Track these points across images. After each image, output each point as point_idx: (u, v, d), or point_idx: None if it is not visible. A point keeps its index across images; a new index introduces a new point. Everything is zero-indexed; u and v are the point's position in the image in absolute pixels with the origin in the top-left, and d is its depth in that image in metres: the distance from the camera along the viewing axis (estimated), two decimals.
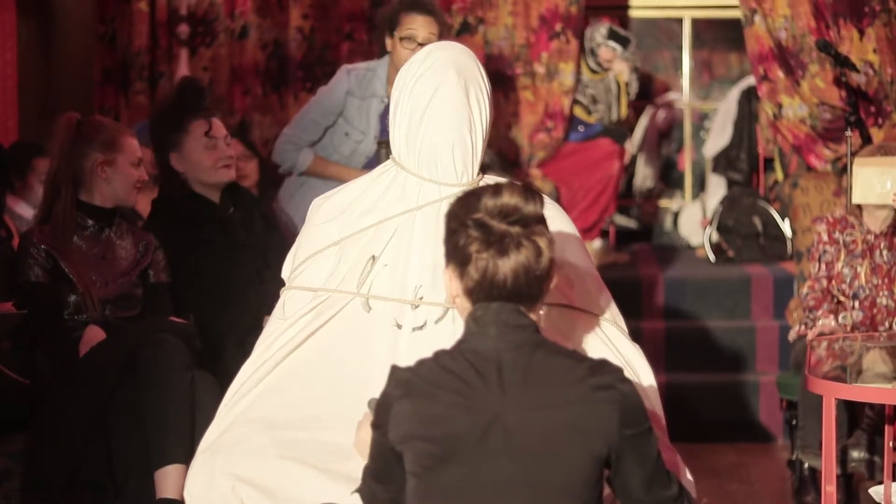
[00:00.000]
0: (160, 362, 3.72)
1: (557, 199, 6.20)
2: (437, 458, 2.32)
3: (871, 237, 4.77)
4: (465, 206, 2.38)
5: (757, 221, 7.15)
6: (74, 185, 4.07)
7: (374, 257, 2.96)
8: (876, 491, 4.13)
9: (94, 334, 3.89)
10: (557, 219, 2.94)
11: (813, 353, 4.12)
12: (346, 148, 5.01)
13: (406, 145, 2.98)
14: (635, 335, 3.24)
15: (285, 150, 5.05)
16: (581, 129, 6.98)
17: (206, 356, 3.98)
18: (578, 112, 6.99)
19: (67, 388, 3.76)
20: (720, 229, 7.22)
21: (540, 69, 6.81)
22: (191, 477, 2.91)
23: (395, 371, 2.38)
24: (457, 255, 2.38)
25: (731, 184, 7.75)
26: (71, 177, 4.06)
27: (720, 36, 9.19)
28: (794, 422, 5.01)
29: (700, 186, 8.53)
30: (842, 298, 4.78)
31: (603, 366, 2.37)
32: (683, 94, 8.67)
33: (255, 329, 3.14)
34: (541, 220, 2.38)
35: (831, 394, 3.62)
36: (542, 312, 2.44)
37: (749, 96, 7.64)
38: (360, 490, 2.50)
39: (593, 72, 7.05)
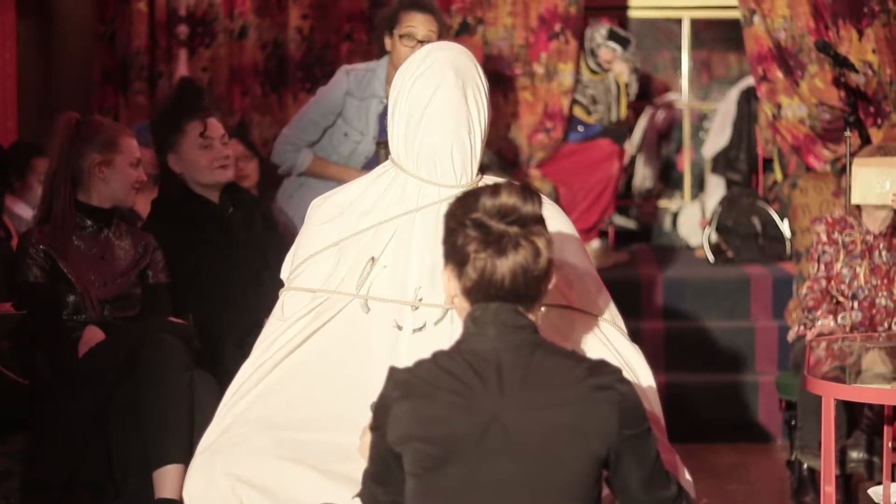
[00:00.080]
0: (159, 362, 3.73)
1: (556, 200, 6.19)
2: (436, 459, 2.32)
3: (870, 238, 4.77)
4: (463, 205, 2.38)
5: (756, 222, 7.15)
6: (73, 185, 4.07)
7: (373, 258, 2.96)
8: (875, 491, 4.13)
9: (94, 334, 3.89)
10: (556, 219, 2.94)
11: (812, 353, 4.12)
12: (346, 148, 5.02)
13: (404, 146, 2.98)
14: (634, 336, 3.24)
15: (284, 151, 5.05)
16: (581, 129, 6.97)
17: (205, 356, 3.98)
18: (578, 112, 6.99)
19: (67, 388, 3.76)
20: (719, 230, 7.22)
21: (539, 69, 6.80)
22: (190, 477, 2.92)
23: (393, 372, 2.38)
24: (455, 254, 2.38)
25: (730, 184, 7.74)
26: (69, 177, 4.06)
27: (719, 36, 9.19)
28: (793, 422, 5.01)
29: (699, 187, 8.53)
30: (841, 299, 4.78)
31: (602, 366, 2.37)
32: (682, 94, 8.67)
33: (255, 329, 3.14)
34: (539, 221, 2.38)
35: (830, 394, 3.62)
36: (542, 311, 2.44)
37: (748, 97, 7.64)
38: (360, 494, 2.50)
39: (593, 72, 7.06)
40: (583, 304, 3.02)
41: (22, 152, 5.80)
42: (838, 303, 4.79)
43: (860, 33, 5.75)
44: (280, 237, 4.47)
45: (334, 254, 3.01)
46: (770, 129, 6.34)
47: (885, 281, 4.74)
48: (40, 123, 6.14)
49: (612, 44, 7.07)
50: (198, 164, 4.34)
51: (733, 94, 7.89)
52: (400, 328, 2.91)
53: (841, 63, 5.30)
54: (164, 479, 3.62)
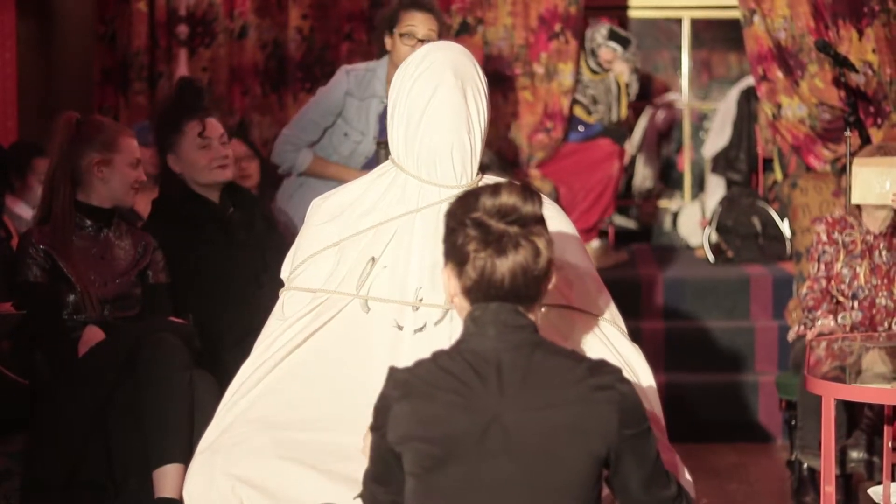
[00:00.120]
0: (159, 362, 3.73)
1: (556, 200, 6.19)
2: (436, 459, 2.32)
3: (870, 237, 4.77)
4: (463, 205, 2.38)
5: (756, 222, 7.15)
6: (72, 185, 4.07)
7: (373, 259, 2.96)
8: (875, 491, 4.13)
9: (94, 334, 3.89)
10: (557, 219, 2.94)
11: (812, 353, 4.12)
12: (346, 148, 5.02)
13: (404, 147, 2.98)
14: (634, 335, 3.24)
15: (284, 151, 5.05)
16: (581, 129, 6.97)
17: (205, 356, 3.98)
18: (579, 112, 6.99)
19: (67, 388, 3.76)
20: (719, 229, 7.22)
21: (539, 69, 6.80)
22: (190, 477, 2.92)
23: (393, 372, 2.38)
24: (455, 253, 2.38)
25: (730, 184, 7.74)
26: (69, 176, 4.06)
27: (719, 36, 9.19)
28: (793, 422, 5.01)
29: (699, 187, 8.53)
30: (841, 299, 4.78)
31: (602, 366, 2.37)
32: (682, 94, 8.67)
33: (255, 329, 3.14)
34: (539, 221, 2.38)
35: (830, 394, 3.62)
36: (542, 311, 2.44)
37: (748, 96, 7.64)
38: (362, 495, 2.50)
39: (594, 72, 7.06)
40: (583, 304, 3.02)
41: (22, 152, 5.80)
42: (838, 303, 4.79)
43: (860, 33, 5.75)
44: (280, 237, 4.47)
45: (334, 254, 3.01)
46: (770, 128, 6.34)
47: (885, 281, 4.74)
48: (40, 123, 6.14)
49: (613, 44, 7.08)
50: (196, 164, 4.35)
51: (733, 94, 7.89)
52: (401, 328, 2.91)
53: (841, 63, 5.30)
54: (164, 478, 3.62)
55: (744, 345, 6.26)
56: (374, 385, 2.42)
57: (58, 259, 3.99)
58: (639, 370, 3.01)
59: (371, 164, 4.79)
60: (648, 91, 8.98)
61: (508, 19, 6.78)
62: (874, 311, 4.74)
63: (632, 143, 8.51)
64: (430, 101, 2.92)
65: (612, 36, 7.08)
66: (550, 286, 2.41)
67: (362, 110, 4.96)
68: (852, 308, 4.76)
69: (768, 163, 7.50)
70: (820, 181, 5.97)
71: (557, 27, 6.76)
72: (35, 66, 6.69)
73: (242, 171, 5.53)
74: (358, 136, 4.98)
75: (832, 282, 4.79)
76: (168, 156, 4.37)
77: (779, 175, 6.88)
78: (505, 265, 2.34)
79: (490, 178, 2.96)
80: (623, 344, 3.03)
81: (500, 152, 6.73)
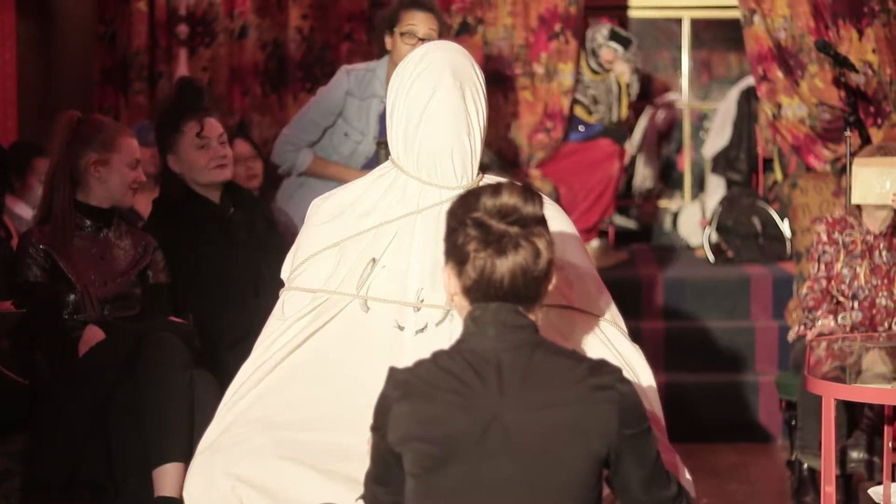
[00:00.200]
0: (159, 362, 3.72)
1: (557, 200, 6.19)
2: (436, 459, 2.31)
3: (870, 238, 4.77)
4: (464, 205, 2.38)
5: (756, 222, 7.15)
6: (72, 185, 4.07)
7: (374, 260, 2.96)
8: (875, 491, 4.13)
9: (94, 334, 3.89)
10: (557, 219, 2.94)
11: (812, 353, 4.12)
12: (346, 148, 5.02)
13: (404, 148, 2.98)
14: (635, 335, 3.24)
15: (284, 151, 5.05)
16: (581, 129, 6.97)
17: (205, 356, 3.98)
18: (579, 112, 6.99)
19: (67, 387, 3.76)
20: (719, 229, 7.22)
21: (539, 69, 6.80)
22: (190, 477, 2.92)
23: (393, 372, 2.38)
24: (455, 253, 2.38)
25: (730, 184, 7.74)
26: (68, 176, 4.05)
27: (719, 36, 9.19)
28: (793, 422, 5.01)
29: (699, 187, 8.53)
30: (841, 299, 4.78)
31: (602, 366, 2.37)
32: (683, 94, 8.67)
33: (255, 329, 3.14)
34: (540, 221, 2.38)
35: (830, 394, 3.62)
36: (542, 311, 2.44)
37: (748, 96, 7.64)
38: (363, 497, 2.50)
39: (594, 72, 7.05)
40: (583, 304, 3.02)
41: (22, 152, 5.80)
42: (838, 303, 4.79)
43: (860, 33, 5.75)
44: (280, 238, 4.47)
45: (335, 254, 3.01)
46: (770, 128, 6.34)
47: (886, 281, 4.74)
48: (40, 123, 6.14)
49: (614, 44, 7.08)
50: (196, 164, 4.35)
51: (733, 93, 7.89)
52: (401, 328, 2.91)
53: (841, 63, 5.30)
54: (164, 477, 3.62)
55: (744, 345, 6.26)
56: (374, 385, 2.42)
57: (58, 259, 3.98)
58: (639, 370, 3.01)
59: (371, 164, 4.79)
60: (649, 91, 8.98)
61: (508, 19, 6.78)
62: (874, 311, 4.74)
63: (632, 143, 8.51)
64: (429, 103, 2.91)
65: (613, 36, 7.07)
66: (551, 287, 2.41)
67: (362, 110, 4.96)
68: (852, 308, 4.76)
69: (768, 163, 7.50)
70: (820, 181, 5.97)
71: (557, 27, 6.76)
72: (35, 66, 6.69)
73: (249, 171, 5.53)
74: (358, 136, 4.98)
75: (832, 282, 4.79)
76: (168, 156, 4.38)
77: (779, 175, 6.88)
78: (505, 265, 2.34)
79: (491, 178, 2.96)
80: (623, 344, 3.03)
81: (500, 152, 6.73)
